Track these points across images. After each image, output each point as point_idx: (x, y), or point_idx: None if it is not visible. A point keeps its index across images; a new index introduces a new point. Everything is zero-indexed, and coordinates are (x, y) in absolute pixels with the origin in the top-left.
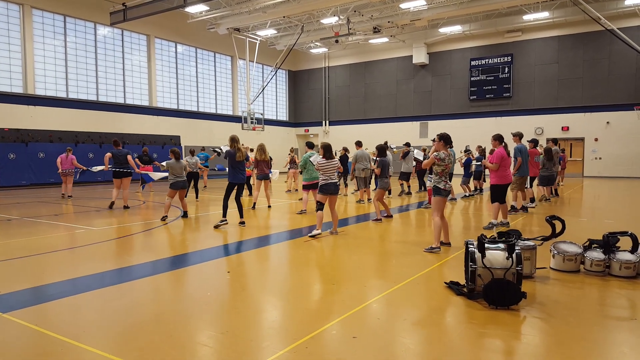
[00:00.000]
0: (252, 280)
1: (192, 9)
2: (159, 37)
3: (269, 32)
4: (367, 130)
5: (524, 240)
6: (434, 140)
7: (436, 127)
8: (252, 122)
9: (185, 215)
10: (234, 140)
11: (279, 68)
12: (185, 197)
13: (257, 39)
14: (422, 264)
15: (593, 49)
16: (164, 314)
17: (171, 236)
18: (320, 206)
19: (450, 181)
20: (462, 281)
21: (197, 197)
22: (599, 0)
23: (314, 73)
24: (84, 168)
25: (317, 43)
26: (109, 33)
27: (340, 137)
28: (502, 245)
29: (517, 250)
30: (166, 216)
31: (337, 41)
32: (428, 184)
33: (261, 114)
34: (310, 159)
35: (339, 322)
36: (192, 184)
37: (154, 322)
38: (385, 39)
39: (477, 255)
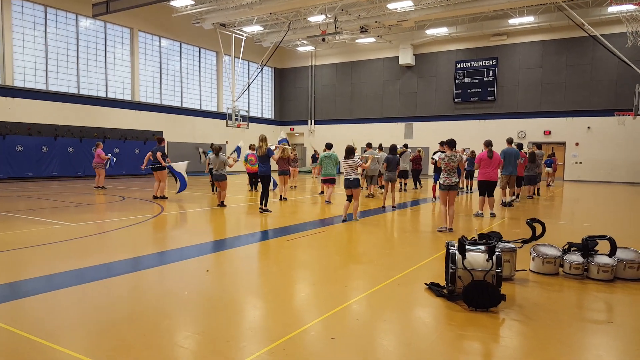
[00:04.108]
0: (235, 278)
1: (177, 3)
2: (142, 30)
3: (256, 28)
4: (353, 130)
5: (504, 242)
6: (441, 144)
7: (421, 129)
8: (236, 120)
9: (221, 204)
10: (263, 140)
11: (265, 65)
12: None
13: (243, 35)
14: (404, 264)
15: (576, 54)
16: (140, 313)
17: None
18: (347, 197)
19: (452, 177)
20: (443, 282)
21: (213, 190)
22: (583, 6)
23: (300, 71)
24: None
25: (303, 41)
26: (91, 25)
27: (326, 136)
28: (482, 247)
29: (497, 253)
30: (221, 202)
31: (323, 40)
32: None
33: (246, 111)
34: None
35: (318, 322)
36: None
37: (129, 321)
38: (372, 39)
39: (458, 256)
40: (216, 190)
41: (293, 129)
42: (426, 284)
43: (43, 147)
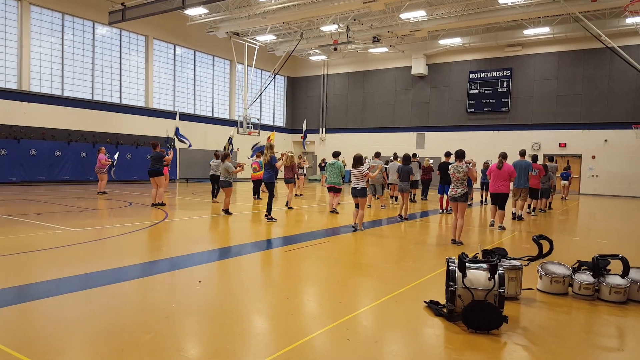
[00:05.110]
0: (226, 290)
1: (191, 12)
2: (157, 38)
3: (269, 37)
4: (364, 140)
5: (509, 259)
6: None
7: (433, 139)
8: (248, 127)
9: (226, 212)
10: (268, 147)
11: (277, 74)
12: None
13: (256, 44)
14: (405, 279)
15: (593, 66)
16: (121, 326)
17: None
18: (355, 206)
19: (458, 188)
20: (444, 300)
21: (214, 197)
22: (600, 17)
23: (312, 80)
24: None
25: (316, 50)
26: (107, 32)
27: (337, 145)
28: (484, 265)
29: (499, 271)
30: (225, 210)
31: (335, 49)
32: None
33: (257, 119)
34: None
35: (305, 342)
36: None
37: (108, 336)
38: (384, 49)
39: (458, 274)
40: (215, 197)
41: (304, 137)
42: (425, 301)
43: (56, 152)
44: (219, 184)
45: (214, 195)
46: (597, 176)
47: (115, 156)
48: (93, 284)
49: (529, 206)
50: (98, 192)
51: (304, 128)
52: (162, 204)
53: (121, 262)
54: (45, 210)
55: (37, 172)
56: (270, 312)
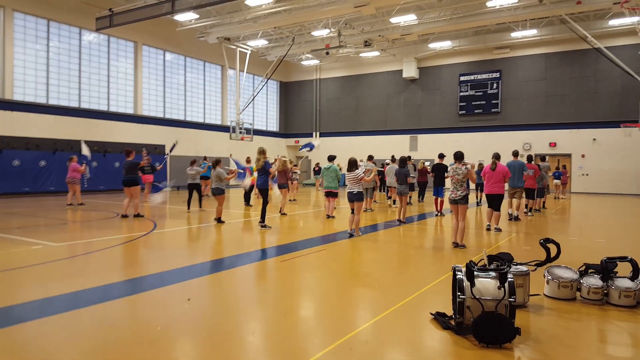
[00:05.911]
0: (216, 309)
1: (181, 17)
2: (147, 44)
3: (260, 42)
4: (357, 143)
5: (516, 264)
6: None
7: (426, 141)
8: (240, 132)
9: (219, 220)
10: (261, 153)
11: (269, 78)
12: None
13: (247, 49)
14: (408, 288)
15: (579, 66)
16: (101, 355)
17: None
18: (352, 211)
19: (458, 190)
20: (450, 311)
21: (200, 206)
22: (585, 19)
23: (305, 85)
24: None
25: (308, 55)
26: (95, 39)
27: (331, 149)
28: (492, 273)
29: (509, 279)
30: (217, 218)
31: (327, 53)
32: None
33: (250, 124)
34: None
35: None
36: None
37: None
38: (376, 53)
39: (466, 284)
40: (189, 208)
41: (298, 141)
42: (432, 313)
43: (41, 162)
44: (212, 192)
45: (188, 205)
46: (587, 175)
47: (84, 150)
48: (72, 305)
49: (526, 206)
50: (68, 204)
51: (317, 143)
52: (140, 215)
53: (104, 279)
54: (27, 224)
55: (20, 183)
56: (266, 332)
